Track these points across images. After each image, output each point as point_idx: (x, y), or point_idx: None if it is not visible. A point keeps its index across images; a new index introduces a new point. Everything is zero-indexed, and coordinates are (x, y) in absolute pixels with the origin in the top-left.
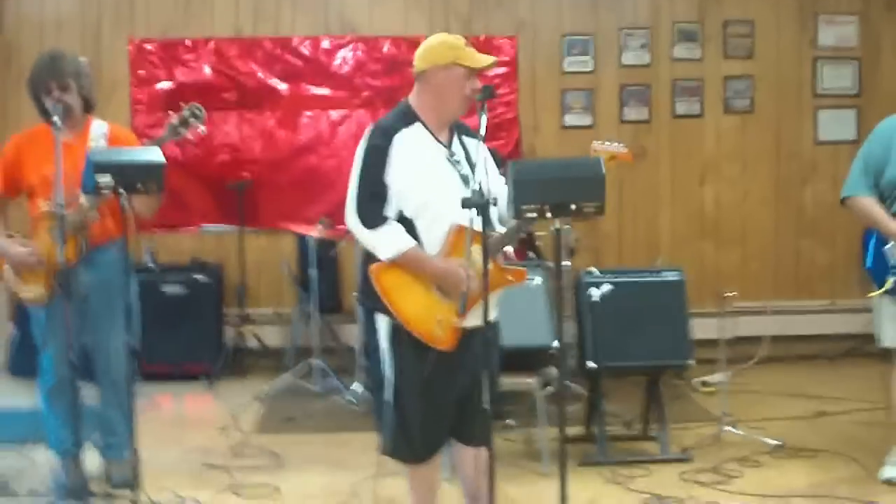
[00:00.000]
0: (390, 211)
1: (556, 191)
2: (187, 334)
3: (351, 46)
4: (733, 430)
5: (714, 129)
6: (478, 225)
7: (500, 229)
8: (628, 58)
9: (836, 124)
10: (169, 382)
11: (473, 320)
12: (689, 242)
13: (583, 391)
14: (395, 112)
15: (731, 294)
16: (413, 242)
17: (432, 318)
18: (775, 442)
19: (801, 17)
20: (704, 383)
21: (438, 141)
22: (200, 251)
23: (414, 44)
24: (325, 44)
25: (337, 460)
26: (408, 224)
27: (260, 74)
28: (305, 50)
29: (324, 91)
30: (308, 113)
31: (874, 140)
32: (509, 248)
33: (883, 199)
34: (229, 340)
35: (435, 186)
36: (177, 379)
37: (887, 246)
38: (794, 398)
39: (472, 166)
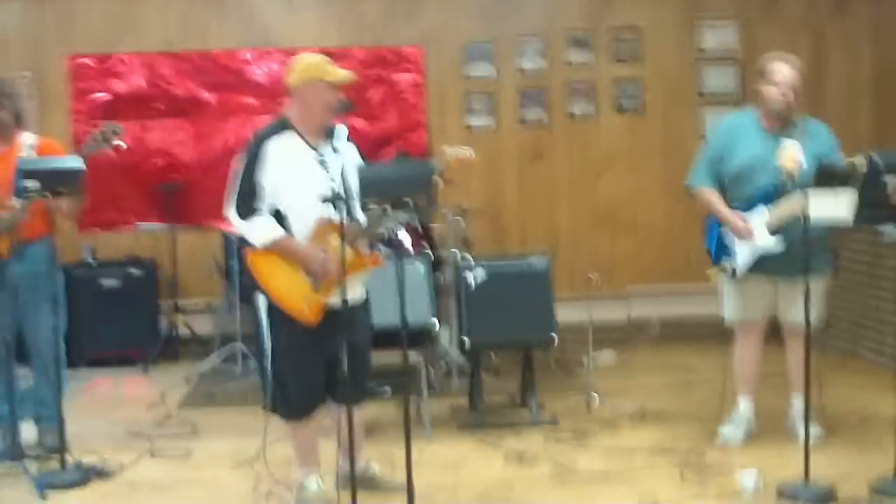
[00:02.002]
0: (264, 206)
1: (392, 188)
2: (125, 324)
3: (271, 57)
4: (599, 398)
5: (607, 128)
6: (337, 217)
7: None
8: (526, 63)
9: (720, 122)
10: (108, 367)
11: (337, 298)
12: (586, 233)
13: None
14: (272, 122)
15: (593, 276)
16: (281, 232)
17: (300, 296)
18: (635, 408)
19: (685, 23)
20: (593, 360)
21: (309, 145)
22: (136, 248)
23: (328, 53)
24: (247, 56)
25: (247, 429)
26: (281, 217)
27: (189, 85)
28: (229, 62)
29: (247, 100)
30: (233, 120)
31: (715, 136)
32: (405, 238)
33: (724, 188)
34: (163, 329)
35: (303, 185)
36: (115, 364)
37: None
38: (669, 371)
39: (336, 166)
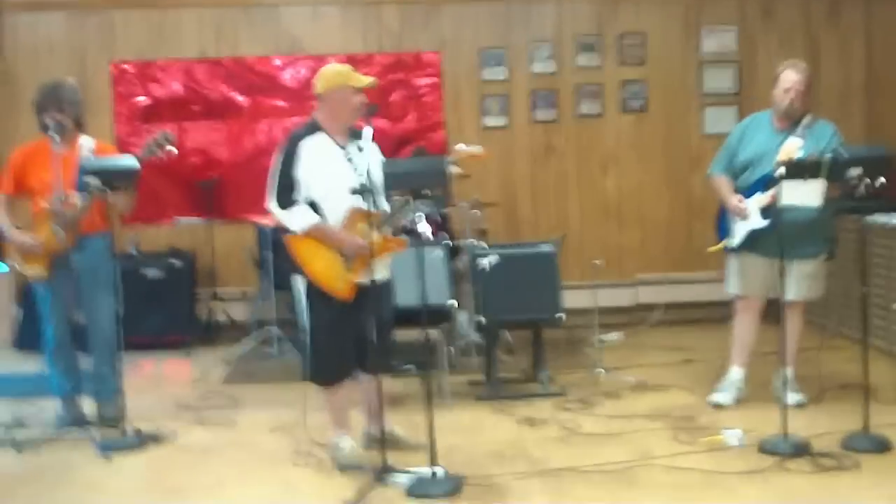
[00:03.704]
0: (299, 197)
1: (413, 181)
2: (166, 311)
3: (299, 63)
4: (605, 372)
5: (614, 126)
6: (365, 206)
7: (386, 209)
8: (537, 66)
9: (719, 120)
10: (151, 351)
11: (367, 277)
12: (595, 224)
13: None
14: (305, 124)
15: (598, 262)
16: (317, 218)
17: (335, 275)
18: (637, 381)
19: (687, 27)
20: (601, 340)
21: (337, 144)
22: (176, 240)
23: (352, 59)
24: (277, 62)
25: (283, 401)
26: (315, 206)
27: (223, 89)
28: (261, 67)
29: (277, 102)
30: (264, 121)
31: (735, 131)
32: (425, 226)
33: (736, 176)
34: (202, 315)
35: (333, 178)
36: (158, 349)
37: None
38: (670, 351)
39: (362, 161)
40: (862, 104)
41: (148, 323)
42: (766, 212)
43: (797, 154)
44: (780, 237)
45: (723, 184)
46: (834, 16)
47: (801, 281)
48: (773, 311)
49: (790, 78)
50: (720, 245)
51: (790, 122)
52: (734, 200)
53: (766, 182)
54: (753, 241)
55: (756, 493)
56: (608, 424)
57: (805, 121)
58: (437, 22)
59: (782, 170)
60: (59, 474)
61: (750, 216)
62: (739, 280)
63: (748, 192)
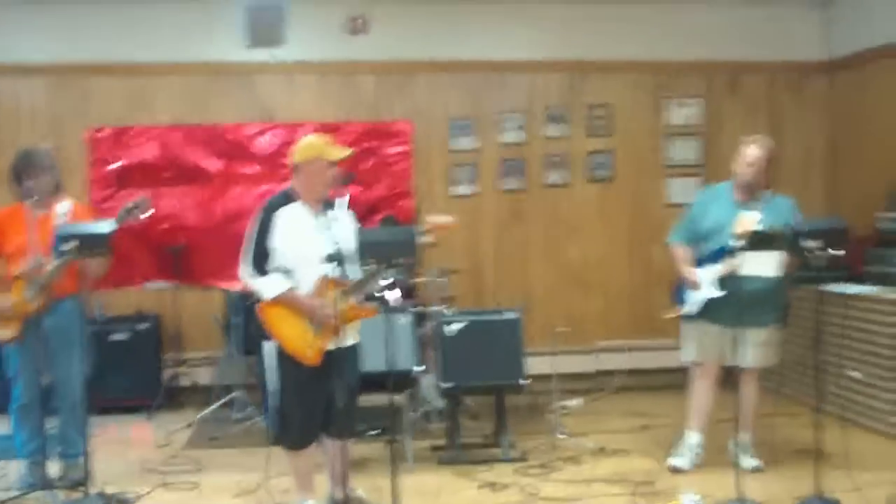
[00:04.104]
0: (273, 265)
1: (384, 250)
2: (131, 374)
3: (272, 130)
4: (565, 437)
5: (580, 195)
6: (336, 274)
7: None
8: (507, 136)
9: (684, 191)
10: (116, 414)
11: (335, 344)
12: (559, 292)
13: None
14: (280, 193)
15: (562, 330)
16: (288, 285)
17: (304, 342)
18: (597, 446)
19: (654, 99)
20: (563, 406)
21: (311, 213)
22: (142, 304)
23: (327, 127)
24: (250, 129)
25: (248, 466)
26: (288, 274)
27: (195, 155)
28: (234, 134)
29: (249, 169)
30: (236, 188)
31: (696, 201)
32: (396, 293)
33: (695, 245)
34: (167, 379)
35: (306, 247)
36: (123, 412)
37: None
38: (630, 416)
39: (335, 231)
40: (823, 172)
41: (113, 386)
42: (722, 282)
43: (755, 226)
44: (736, 306)
45: (680, 253)
46: (797, 88)
47: (755, 348)
48: (729, 378)
49: (752, 154)
50: (676, 313)
51: (750, 195)
52: (688, 272)
53: (724, 253)
54: (709, 310)
55: None
56: (568, 489)
57: (765, 195)
58: (411, 91)
59: (741, 241)
60: None
61: (703, 287)
62: (695, 347)
63: (706, 262)
